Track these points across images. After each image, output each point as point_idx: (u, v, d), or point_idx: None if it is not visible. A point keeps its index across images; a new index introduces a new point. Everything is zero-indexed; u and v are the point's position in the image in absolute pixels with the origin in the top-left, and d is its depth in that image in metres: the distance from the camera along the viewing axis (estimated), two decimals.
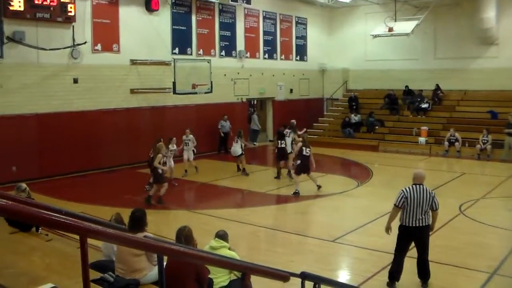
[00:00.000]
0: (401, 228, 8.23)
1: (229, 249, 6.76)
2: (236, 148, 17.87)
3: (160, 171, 13.84)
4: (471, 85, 25.74)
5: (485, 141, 21.79)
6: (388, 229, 8.39)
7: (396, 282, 8.25)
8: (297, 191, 15.03)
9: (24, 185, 8.56)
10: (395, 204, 8.12)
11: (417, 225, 8.03)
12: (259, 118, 26.74)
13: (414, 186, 8.11)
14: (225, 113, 23.07)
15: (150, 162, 14.48)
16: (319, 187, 15.56)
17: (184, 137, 17.76)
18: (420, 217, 8.02)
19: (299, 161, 15.41)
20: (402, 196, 8.04)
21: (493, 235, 11.35)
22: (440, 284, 8.38)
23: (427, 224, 8.12)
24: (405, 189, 8.10)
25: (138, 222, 6.00)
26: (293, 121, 19.17)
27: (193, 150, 17.92)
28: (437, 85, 25.95)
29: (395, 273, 8.25)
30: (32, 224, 6.79)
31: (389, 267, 8.58)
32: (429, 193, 8.12)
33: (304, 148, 15.27)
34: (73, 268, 4.58)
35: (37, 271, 5.16)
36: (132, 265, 5.71)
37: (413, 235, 8.18)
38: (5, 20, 15.78)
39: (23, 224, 6.85)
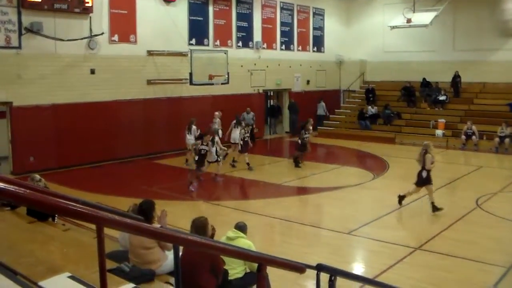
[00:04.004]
0: None
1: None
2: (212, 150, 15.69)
3: None
4: (490, 77, 25.44)
5: (503, 134, 21.55)
6: None
7: None
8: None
9: (38, 176, 8.62)
10: None
11: None
12: (279, 109, 27.00)
13: None
14: (242, 104, 23.06)
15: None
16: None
17: None
18: None
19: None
20: None
21: (510, 230, 11.25)
22: (456, 277, 8.34)
23: None
24: None
25: (143, 214, 6.04)
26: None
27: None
28: (457, 71, 25.54)
29: None
30: (49, 214, 6.86)
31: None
32: None
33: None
34: (90, 258, 4.61)
35: (54, 260, 5.21)
36: (144, 257, 5.76)
37: None
38: (23, 11, 15.90)
39: (40, 214, 6.92)
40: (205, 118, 19.66)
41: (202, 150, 14.69)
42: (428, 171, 12.34)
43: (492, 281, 8.14)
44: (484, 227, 11.24)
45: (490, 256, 9.32)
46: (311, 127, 18.48)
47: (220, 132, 18.43)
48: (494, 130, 22.05)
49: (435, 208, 12.03)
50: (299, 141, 17.95)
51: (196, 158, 14.84)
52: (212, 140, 15.61)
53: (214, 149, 15.55)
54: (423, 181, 12.39)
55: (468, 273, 8.62)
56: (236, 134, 17.97)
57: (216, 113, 19.11)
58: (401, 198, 12.70)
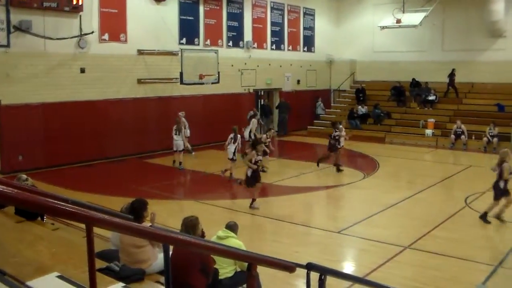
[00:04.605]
0: None
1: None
2: (231, 148, 15.93)
3: None
4: (479, 77, 25.61)
5: (492, 134, 21.69)
6: None
7: None
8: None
9: (24, 175, 8.55)
10: None
11: None
12: (270, 109, 27.00)
13: None
14: (233, 103, 23.12)
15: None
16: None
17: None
18: None
19: None
20: None
21: (498, 228, 11.32)
22: (445, 276, 8.38)
23: None
24: None
25: (134, 213, 6.03)
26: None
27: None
28: (453, 69, 25.49)
29: None
30: (38, 213, 6.81)
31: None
32: None
33: None
34: (79, 258, 4.59)
35: (43, 260, 5.17)
36: (135, 256, 5.75)
37: None
38: (12, 9, 15.78)
39: (29, 213, 6.87)
40: (195, 118, 19.66)
41: (258, 161, 12.89)
42: (506, 182, 11.17)
43: (480, 279, 8.19)
44: (472, 226, 11.31)
45: (479, 255, 9.40)
46: (341, 126, 18.05)
47: (188, 131, 18.26)
48: (482, 130, 22.20)
49: (501, 220, 11.26)
50: (330, 141, 17.48)
51: (249, 174, 12.72)
52: (235, 138, 15.86)
53: (234, 147, 15.80)
54: (502, 192, 11.21)
55: (457, 271, 8.68)
56: (246, 133, 18.01)
57: (180, 113, 18.87)
58: (484, 215, 11.38)
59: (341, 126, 17.86)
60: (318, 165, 17.50)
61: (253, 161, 12.62)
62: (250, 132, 18.28)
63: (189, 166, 17.58)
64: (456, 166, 19.22)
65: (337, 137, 17.40)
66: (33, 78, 16.54)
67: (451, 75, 25.56)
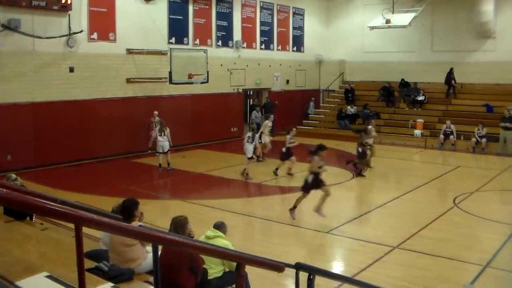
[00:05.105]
0: None
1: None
2: (250, 147, 16.03)
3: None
4: (468, 78, 25.72)
5: (480, 134, 21.83)
6: None
7: None
8: None
9: (14, 175, 8.52)
10: None
11: None
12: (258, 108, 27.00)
13: None
14: (222, 103, 23.11)
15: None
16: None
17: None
18: None
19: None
20: None
21: (486, 228, 11.41)
22: (433, 276, 8.43)
23: None
24: None
25: (125, 212, 6.03)
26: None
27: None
28: (452, 68, 25.41)
29: None
30: (27, 213, 6.79)
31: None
32: None
33: None
34: (68, 257, 4.58)
35: (31, 259, 5.16)
36: (125, 255, 5.74)
37: None
38: (0, 8, 15.66)
39: (18, 213, 6.85)
40: (184, 118, 19.60)
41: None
42: None
43: (468, 279, 8.25)
44: (461, 225, 11.38)
45: (467, 255, 9.46)
46: (373, 132, 17.81)
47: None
48: (471, 130, 22.31)
49: None
50: (359, 148, 17.01)
51: (310, 180, 11.74)
52: (253, 137, 16.03)
53: (252, 146, 15.95)
54: None
55: (446, 271, 8.72)
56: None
57: (156, 112, 18.66)
58: None
59: (371, 127, 17.96)
60: (360, 174, 16.92)
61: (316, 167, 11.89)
62: (261, 134, 17.89)
63: (178, 166, 17.53)
64: (444, 166, 19.31)
65: (366, 144, 17.26)
66: (22, 77, 16.45)
67: (449, 74, 25.54)
